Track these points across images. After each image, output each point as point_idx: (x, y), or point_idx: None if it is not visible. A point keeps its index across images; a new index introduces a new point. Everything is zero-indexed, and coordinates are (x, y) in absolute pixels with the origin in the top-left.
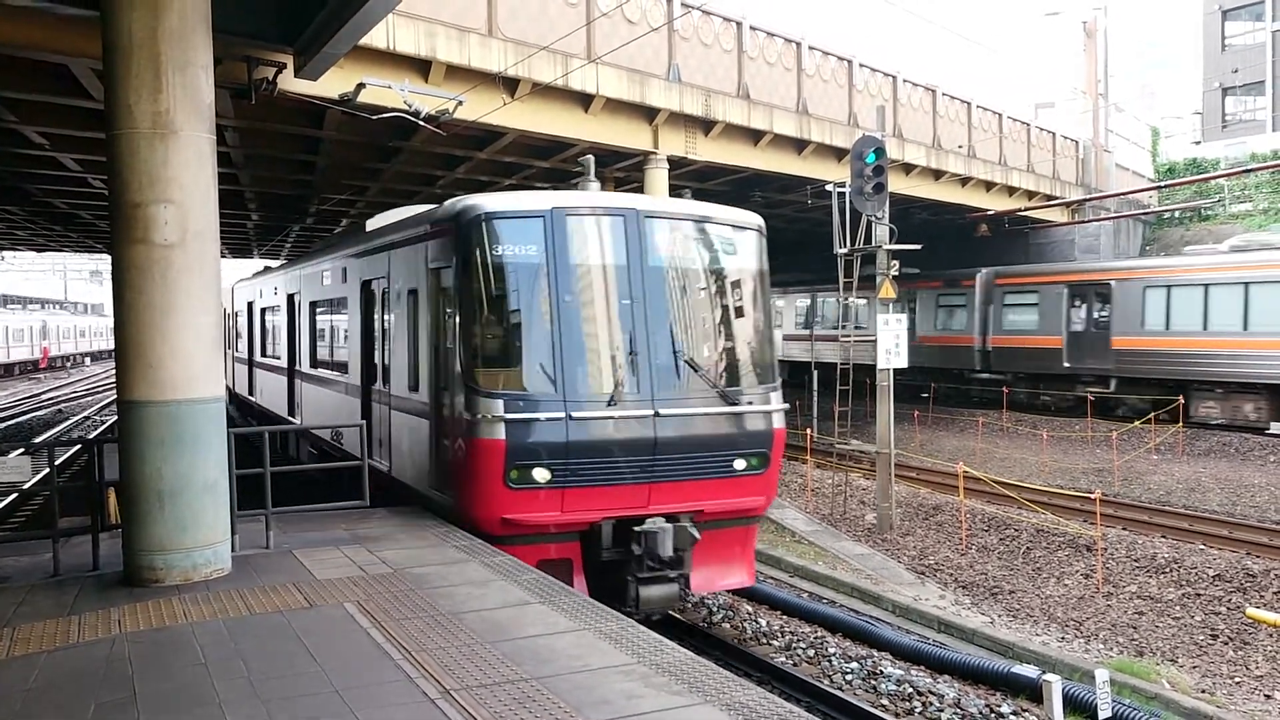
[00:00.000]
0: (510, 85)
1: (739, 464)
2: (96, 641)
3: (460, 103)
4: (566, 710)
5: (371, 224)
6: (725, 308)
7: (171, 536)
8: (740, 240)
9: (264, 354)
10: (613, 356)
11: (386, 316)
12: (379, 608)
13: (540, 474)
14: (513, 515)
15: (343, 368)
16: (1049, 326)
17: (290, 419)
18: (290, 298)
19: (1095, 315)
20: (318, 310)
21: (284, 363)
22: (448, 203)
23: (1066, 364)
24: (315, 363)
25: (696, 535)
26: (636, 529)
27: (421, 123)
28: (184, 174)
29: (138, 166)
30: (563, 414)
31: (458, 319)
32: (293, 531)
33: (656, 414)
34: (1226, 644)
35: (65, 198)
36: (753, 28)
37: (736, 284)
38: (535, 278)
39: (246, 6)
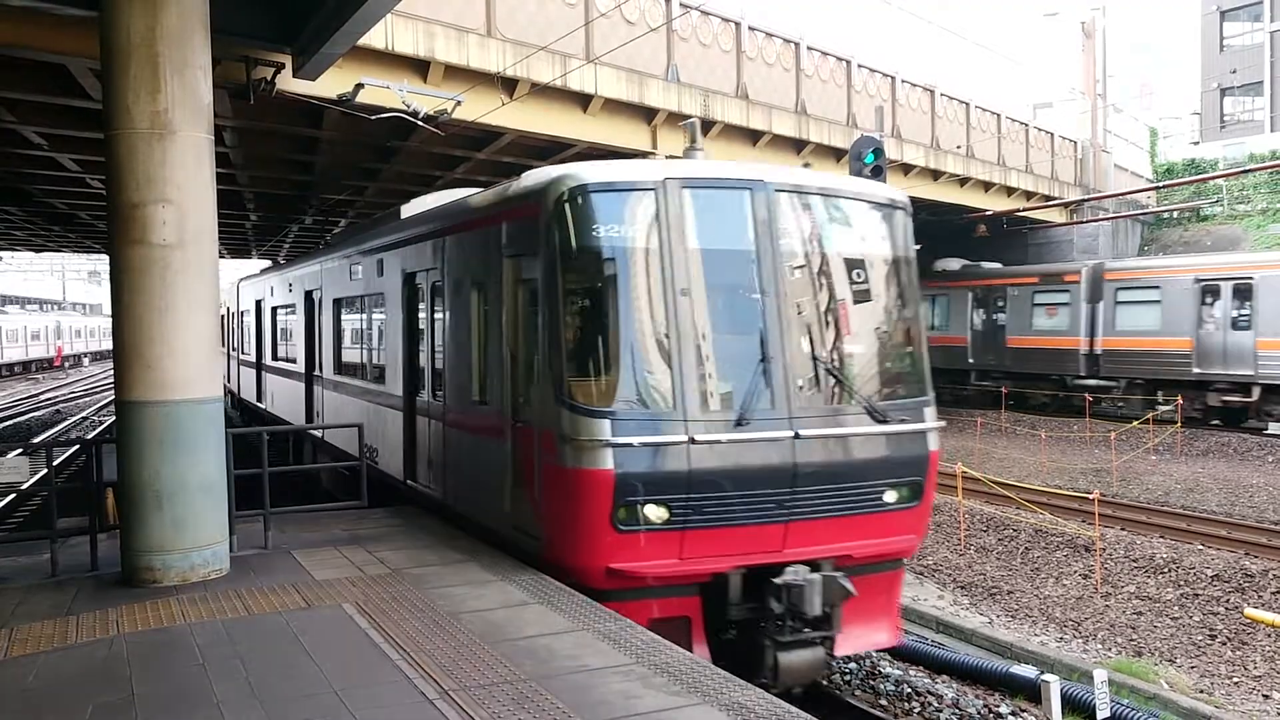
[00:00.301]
0: (509, 85)
1: (889, 496)
2: (94, 642)
3: (459, 103)
4: (564, 710)
5: (409, 209)
6: (871, 303)
7: (169, 537)
8: (887, 220)
9: (276, 357)
10: (742, 364)
11: (439, 315)
12: (377, 608)
13: (655, 513)
14: (621, 564)
15: (377, 374)
16: (1175, 327)
17: (313, 432)
18: (309, 295)
19: (1234, 313)
20: (344, 308)
21: (300, 367)
22: (530, 175)
23: (1197, 369)
24: (341, 368)
25: (850, 589)
26: (775, 580)
27: (420, 123)
28: (182, 174)
29: (136, 167)
30: (683, 436)
31: (548, 318)
32: (291, 532)
33: (796, 436)
34: (1225, 644)
35: (64, 198)
36: (751, 28)
37: (883, 274)
38: (646, 265)
39: (245, 7)
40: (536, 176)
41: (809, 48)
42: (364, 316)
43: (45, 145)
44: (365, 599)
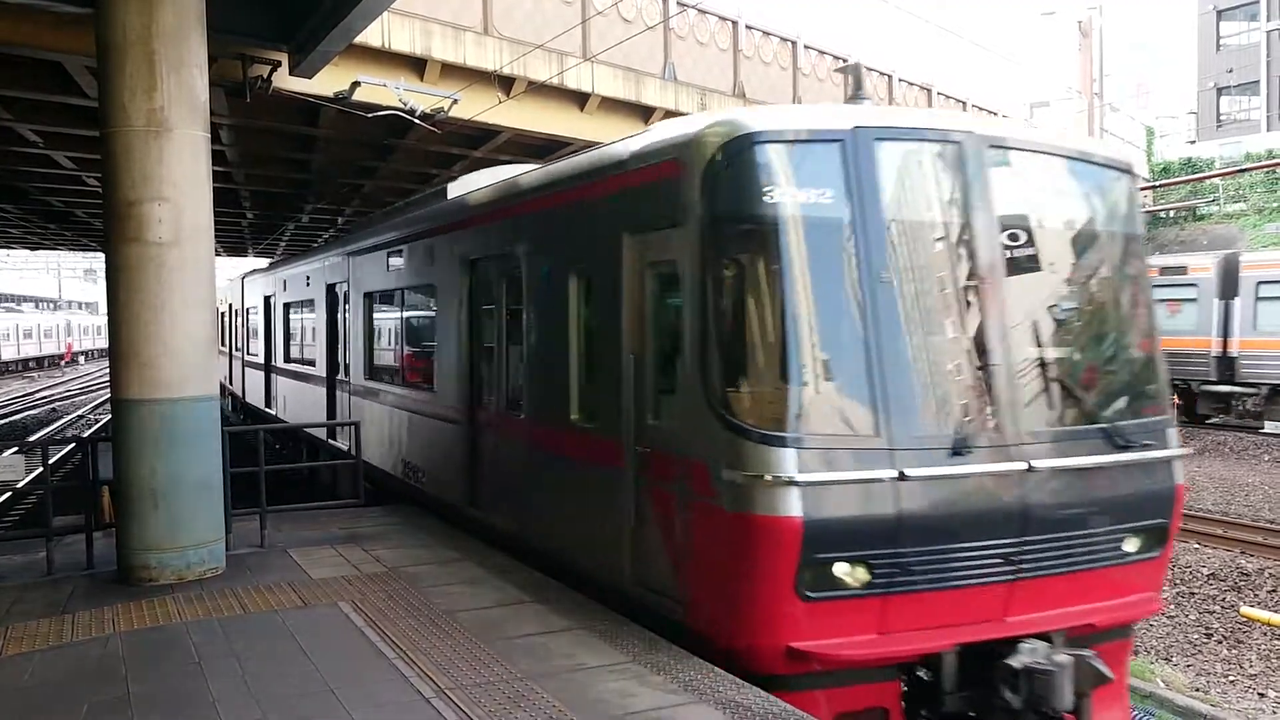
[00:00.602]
0: (505, 84)
1: (1129, 544)
2: (90, 641)
3: (455, 101)
4: (561, 709)
5: (459, 187)
6: (1105, 293)
7: (165, 535)
8: (1116, 187)
9: (289, 359)
10: (957, 372)
11: (516, 310)
12: (374, 607)
13: (853, 573)
14: (806, 643)
15: (425, 381)
16: None
17: (333, 443)
18: (331, 289)
19: None
20: (378, 304)
21: (321, 370)
22: (663, 126)
23: None
24: (374, 372)
25: (1107, 673)
26: (1009, 662)
27: (417, 121)
28: (178, 172)
29: (132, 165)
30: (890, 470)
31: (699, 310)
32: (287, 530)
33: (1029, 468)
34: (1221, 643)
35: (60, 196)
36: (748, 26)
37: (1116, 255)
38: (834, 242)
39: (241, 5)
40: (676, 127)
41: (806, 46)
42: (406, 313)
43: (41, 143)
44: (361, 597)
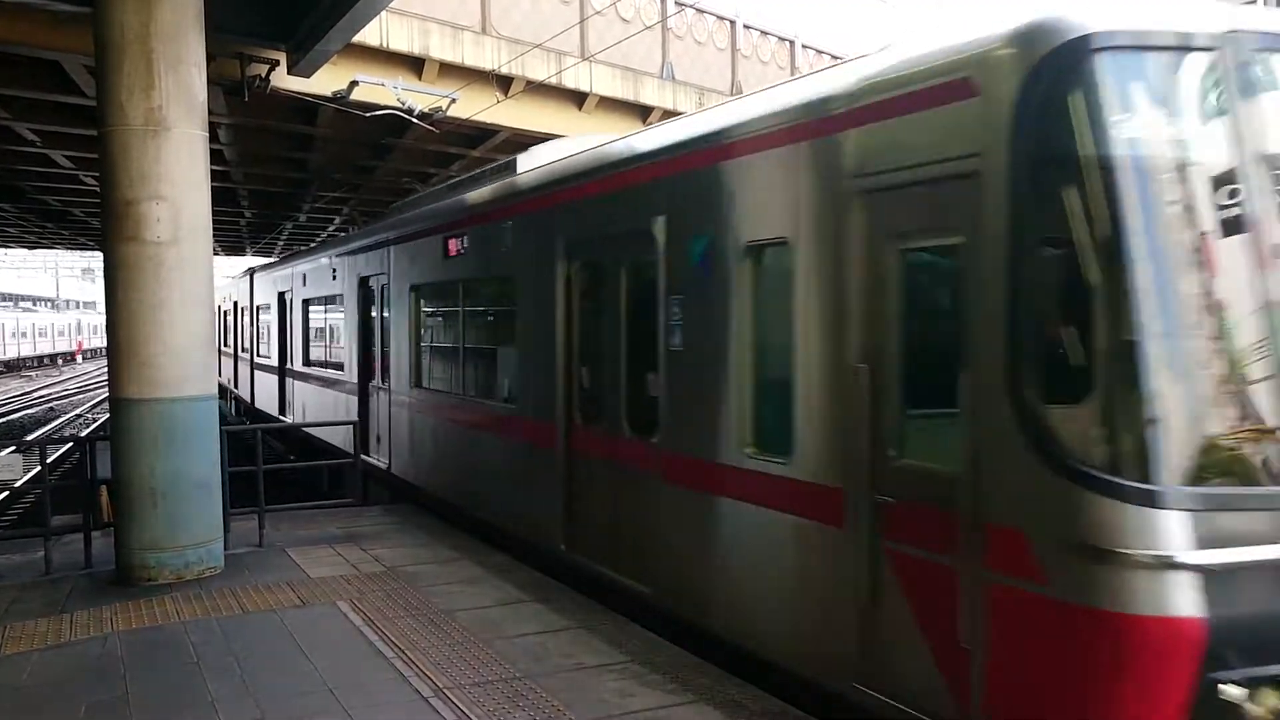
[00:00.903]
0: (504, 83)
1: None
2: (89, 640)
3: (453, 100)
4: (559, 708)
5: (532, 159)
6: None
7: (164, 535)
8: None
9: (309, 361)
10: None
11: (646, 307)
12: (372, 606)
13: (1264, 698)
14: None
15: (498, 395)
16: None
17: (366, 459)
18: (364, 282)
19: None
20: (429, 301)
21: (350, 376)
22: (918, 37)
23: None
24: (420, 379)
25: None
26: None
27: (415, 120)
28: (176, 171)
29: (130, 164)
30: None
31: (1011, 301)
32: (286, 529)
33: None
34: None
35: (57, 195)
36: (746, 26)
37: None
38: (1215, 199)
39: (240, 3)
40: (949, 34)
41: (804, 45)
42: (471, 310)
43: (39, 142)
44: (360, 597)
